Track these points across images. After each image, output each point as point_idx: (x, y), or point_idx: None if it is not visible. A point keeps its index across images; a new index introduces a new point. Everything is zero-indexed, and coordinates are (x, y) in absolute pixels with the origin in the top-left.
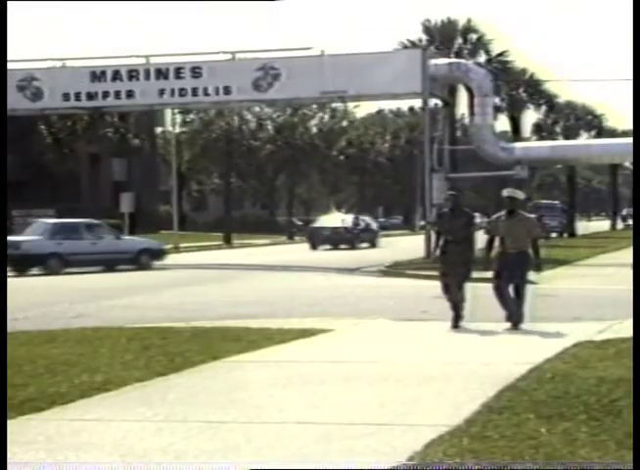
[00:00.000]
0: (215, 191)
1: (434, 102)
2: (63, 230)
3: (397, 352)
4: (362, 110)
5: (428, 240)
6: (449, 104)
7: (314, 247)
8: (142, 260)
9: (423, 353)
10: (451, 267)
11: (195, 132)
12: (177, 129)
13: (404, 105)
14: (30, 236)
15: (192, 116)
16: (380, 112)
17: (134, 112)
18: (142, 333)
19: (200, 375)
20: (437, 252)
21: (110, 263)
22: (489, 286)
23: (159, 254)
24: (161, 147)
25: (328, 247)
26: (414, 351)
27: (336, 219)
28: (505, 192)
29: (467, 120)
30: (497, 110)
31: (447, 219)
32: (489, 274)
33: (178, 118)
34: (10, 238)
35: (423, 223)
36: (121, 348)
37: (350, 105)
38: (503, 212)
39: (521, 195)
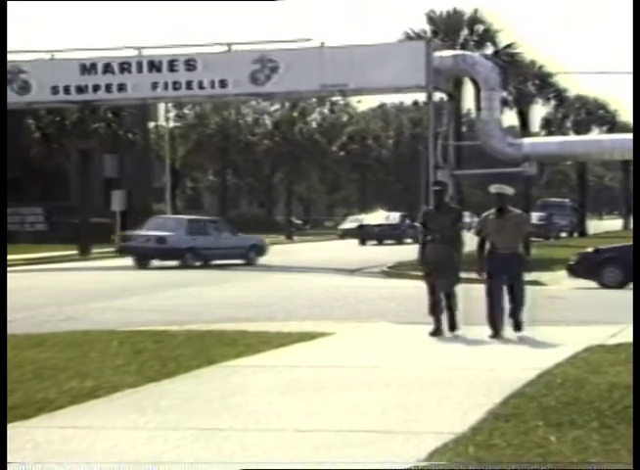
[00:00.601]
0: (210, 188)
1: (438, 96)
2: (196, 226)
3: (400, 356)
4: (364, 104)
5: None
6: (455, 98)
7: (363, 242)
8: (250, 256)
9: (426, 358)
10: (437, 269)
11: (189, 127)
12: (171, 124)
13: (408, 99)
14: (165, 232)
15: (186, 110)
16: (382, 106)
17: (126, 106)
18: (134, 336)
19: (194, 381)
20: (423, 254)
21: (226, 257)
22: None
23: (262, 250)
24: (155, 143)
25: (374, 242)
26: (417, 355)
27: (380, 217)
28: (493, 188)
29: (473, 115)
30: (505, 104)
31: (432, 217)
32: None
33: (172, 113)
34: (154, 233)
35: None
36: (112, 352)
37: (351, 99)
38: (492, 211)
39: (509, 190)
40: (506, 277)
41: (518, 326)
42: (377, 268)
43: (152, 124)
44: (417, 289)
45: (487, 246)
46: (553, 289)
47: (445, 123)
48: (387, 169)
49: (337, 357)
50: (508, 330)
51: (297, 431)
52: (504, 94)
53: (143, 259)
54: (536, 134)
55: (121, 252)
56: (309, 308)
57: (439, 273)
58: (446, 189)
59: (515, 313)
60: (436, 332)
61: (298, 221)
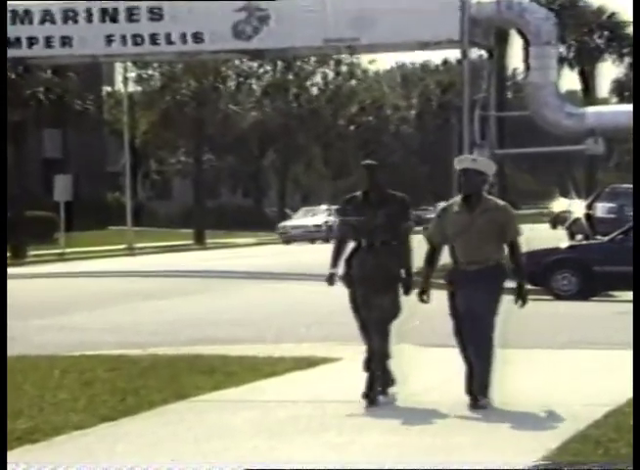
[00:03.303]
0: (182, 172)
1: (476, 53)
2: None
3: (424, 388)
4: (379, 64)
5: None
6: (497, 55)
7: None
8: None
9: (458, 391)
10: (366, 295)
11: (154, 93)
12: (130, 89)
13: (436, 57)
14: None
15: (150, 71)
16: (402, 66)
17: (72, 65)
18: (82, 363)
19: (160, 419)
20: (339, 268)
21: None
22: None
23: None
24: (110, 113)
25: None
26: (447, 387)
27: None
28: (457, 162)
29: (520, 77)
30: (562, 62)
31: (359, 210)
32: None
33: (132, 75)
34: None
35: None
36: (54, 383)
37: (363, 58)
38: (454, 200)
39: (484, 165)
40: (475, 312)
41: (480, 391)
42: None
43: (106, 90)
44: (442, 301)
45: (445, 259)
46: (623, 302)
47: (484, 88)
48: (408, 148)
49: (343, 390)
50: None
51: None
52: (561, 50)
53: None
54: (604, 101)
55: None
56: (308, 326)
57: (370, 301)
58: (383, 165)
59: (479, 375)
60: (369, 396)
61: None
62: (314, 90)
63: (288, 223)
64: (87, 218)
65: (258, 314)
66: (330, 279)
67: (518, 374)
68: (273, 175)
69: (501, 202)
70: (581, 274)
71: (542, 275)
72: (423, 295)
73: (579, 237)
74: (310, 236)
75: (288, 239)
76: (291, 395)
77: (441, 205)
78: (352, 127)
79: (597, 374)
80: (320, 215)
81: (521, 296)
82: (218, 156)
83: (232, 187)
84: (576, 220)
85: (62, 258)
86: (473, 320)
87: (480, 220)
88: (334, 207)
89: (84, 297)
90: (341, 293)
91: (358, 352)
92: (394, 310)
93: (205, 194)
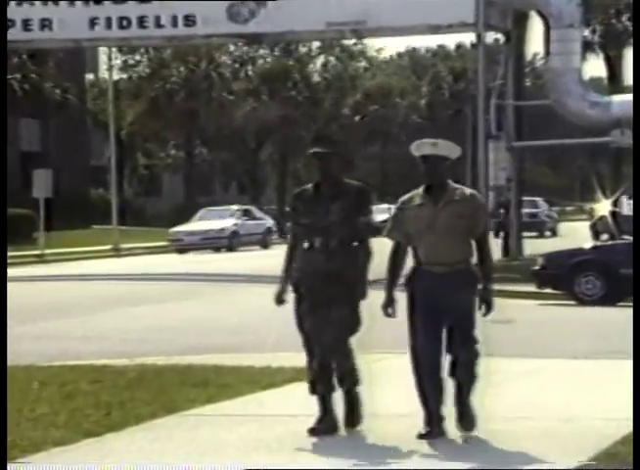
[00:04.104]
0: (172, 167)
1: (492, 37)
2: None
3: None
4: (386, 50)
5: None
6: (514, 39)
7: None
8: None
9: (477, 406)
10: (321, 305)
11: (142, 81)
12: (116, 76)
13: (449, 41)
14: None
15: (137, 57)
16: (412, 51)
17: (52, 50)
18: (63, 374)
19: (148, 435)
20: (289, 273)
21: None
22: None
23: None
24: (93, 103)
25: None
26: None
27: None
28: (414, 148)
29: (541, 63)
30: (587, 47)
31: (311, 204)
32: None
33: (117, 61)
34: None
35: None
36: (32, 396)
37: (369, 43)
38: (415, 192)
39: (447, 149)
40: (445, 320)
41: (465, 418)
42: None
43: (89, 77)
44: None
45: (409, 258)
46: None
47: (501, 75)
48: (418, 139)
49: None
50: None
51: None
52: (586, 33)
53: None
54: (631, 89)
55: None
56: None
57: (323, 314)
58: (336, 153)
59: (461, 393)
60: (317, 429)
61: None
62: (316, 77)
63: (181, 229)
64: (69, 217)
65: (255, 321)
66: (279, 297)
67: (536, 386)
68: (271, 170)
69: (469, 190)
70: (607, 277)
71: (564, 279)
72: (388, 307)
73: (604, 237)
74: (210, 244)
75: (182, 248)
76: (290, 408)
77: (402, 198)
78: (357, 117)
79: (622, 386)
80: (227, 219)
81: (486, 301)
82: (211, 149)
83: (226, 183)
84: (601, 219)
85: (41, 259)
86: (457, 329)
87: (445, 214)
88: (246, 207)
89: (66, 302)
90: None
91: (364, 361)
92: (354, 324)
93: (196, 190)
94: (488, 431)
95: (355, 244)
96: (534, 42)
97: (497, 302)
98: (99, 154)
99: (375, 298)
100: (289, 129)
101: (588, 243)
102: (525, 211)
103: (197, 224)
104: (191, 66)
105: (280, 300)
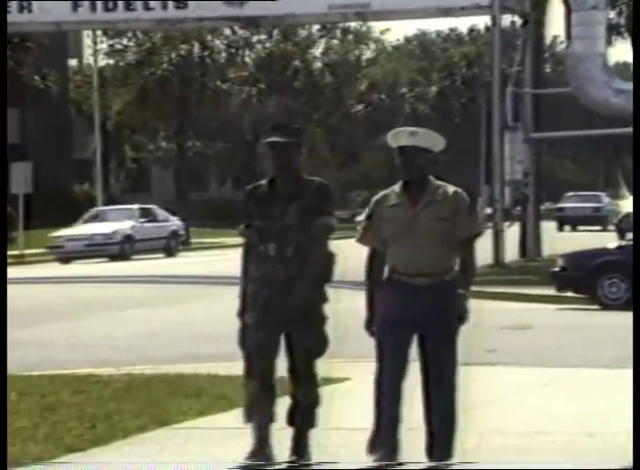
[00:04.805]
0: (162, 160)
1: (508, 19)
2: None
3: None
4: (393, 34)
5: (497, 237)
6: (532, 22)
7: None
8: None
9: (489, 418)
10: (270, 320)
11: (130, 68)
12: (102, 63)
13: (461, 25)
14: None
15: (125, 42)
16: (421, 36)
17: (32, 35)
18: (44, 384)
19: (136, 450)
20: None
21: None
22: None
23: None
24: (77, 91)
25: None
26: (475, 413)
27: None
28: (390, 138)
29: (561, 48)
30: (611, 30)
31: (264, 205)
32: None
33: (103, 46)
34: None
35: (490, 212)
36: (10, 408)
37: (375, 26)
38: (390, 190)
39: (428, 140)
40: (419, 337)
41: (443, 452)
42: None
43: (72, 63)
44: (475, 312)
45: (385, 267)
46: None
47: (518, 61)
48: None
49: (351, 416)
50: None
51: None
52: (611, 15)
53: None
54: None
55: None
56: None
57: (276, 328)
58: (295, 143)
59: (437, 425)
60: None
61: None
62: (317, 64)
63: (63, 233)
64: (50, 214)
65: None
66: (241, 314)
67: (554, 397)
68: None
69: (452, 188)
70: (632, 280)
71: (587, 281)
72: (372, 326)
73: (630, 236)
74: (97, 251)
75: (63, 256)
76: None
77: (376, 196)
78: (361, 107)
79: None
80: (122, 221)
81: (460, 310)
82: (204, 141)
83: (221, 178)
84: (627, 216)
85: (20, 260)
86: (435, 351)
87: (425, 215)
88: (152, 206)
89: (47, 306)
90: (349, 302)
91: (368, 371)
92: (319, 346)
93: (188, 186)
94: (501, 446)
95: (316, 249)
96: (554, 25)
97: (513, 306)
98: (83, 146)
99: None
100: (288, 120)
101: (612, 242)
102: (588, 205)
103: (82, 227)
104: (182, 51)
105: (243, 317)
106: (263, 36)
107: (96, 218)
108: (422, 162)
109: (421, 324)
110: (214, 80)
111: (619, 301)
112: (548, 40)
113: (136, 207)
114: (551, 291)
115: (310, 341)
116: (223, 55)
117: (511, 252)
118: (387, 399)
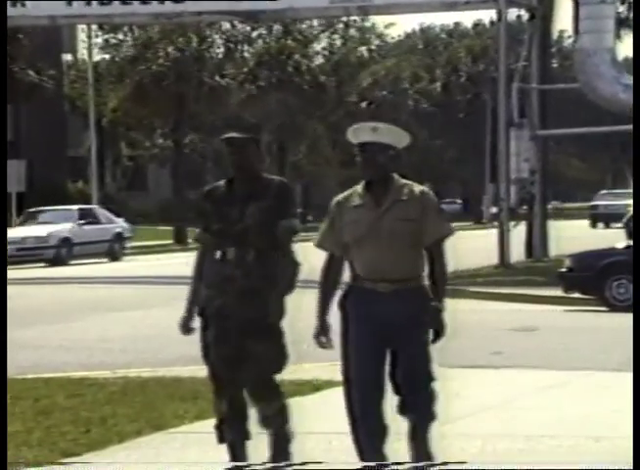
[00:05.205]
0: (159, 158)
1: (514, 13)
2: None
3: (454, 416)
4: (397, 29)
5: (502, 237)
6: (539, 16)
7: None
8: None
9: (494, 421)
10: (231, 332)
11: (125, 63)
12: (97, 58)
13: (466, 19)
14: None
15: (121, 36)
16: (427, 30)
17: (25, 28)
18: (38, 388)
19: (132, 454)
20: (198, 293)
21: None
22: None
23: None
24: (71, 86)
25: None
26: (482, 417)
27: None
28: (351, 134)
29: (569, 42)
30: (621, 24)
31: (222, 206)
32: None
33: (98, 40)
34: None
35: (495, 211)
36: None
37: (378, 21)
38: (352, 190)
39: (392, 135)
40: (388, 351)
41: (420, 456)
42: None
43: (66, 58)
44: (481, 313)
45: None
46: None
47: (524, 56)
48: (431, 129)
49: None
50: None
51: None
52: (620, 9)
53: None
54: None
55: None
56: (310, 343)
57: (238, 340)
58: (254, 140)
59: (415, 438)
60: None
61: (299, 209)
62: (319, 59)
63: None
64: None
65: None
66: (185, 325)
67: (561, 400)
68: (270, 162)
69: (419, 187)
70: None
71: (594, 282)
72: (321, 336)
73: None
74: (30, 256)
75: None
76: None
77: (337, 198)
78: (364, 104)
79: None
80: (55, 223)
81: (437, 324)
82: (202, 138)
83: (219, 176)
84: None
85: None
86: (406, 366)
87: (389, 217)
88: (93, 207)
89: (40, 307)
90: None
91: None
92: (278, 359)
93: (186, 184)
94: (507, 450)
95: (278, 254)
96: (562, 19)
97: (519, 307)
98: (77, 143)
99: None
100: (288, 117)
101: (621, 242)
102: (622, 203)
103: (15, 230)
104: (180, 46)
105: (186, 328)
106: (263, 31)
107: (33, 220)
108: (384, 159)
109: (385, 336)
110: (212, 76)
111: (628, 302)
112: (555, 35)
113: (75, 207)
114: (558, 292)
115: (268, 354)
116: (222, 50)
117: (517, 252)
118: (362, 410)
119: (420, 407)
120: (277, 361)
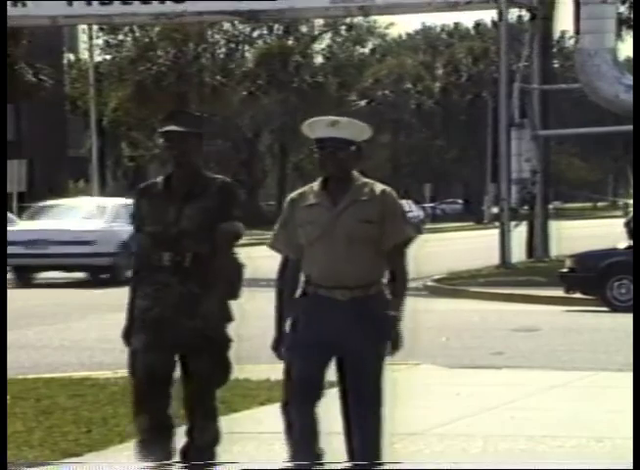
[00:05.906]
0: (160, 158)
1: (515, 13)
2: None
3: (455, 416)
4: (397, 28)
5: (503, 237)
6: (540, 16)
7: None
8: None
9: (495, 422)
10: (164, 342)
11: (126, 63)
12: (97, 58)
13: (466, 20)
14: None
15: (121, 37)
16: (428, 30)
17: (26, 29)
18: (38, 388)
19: (133, 455)
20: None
21: None
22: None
23: None
24: (72, 87)
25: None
26: (481, 418)
27: None
28: (307, 128)
29: (570, 43)
30: (622, 24)
31: (159, 206)
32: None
33: (99, 41)
34: None
35: (496, 211)
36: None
37: (379, 21)
38: (308, 187)
39: (351, 130)
40: (338, 361)
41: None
42: (420, 282)
43: (67, 58)
44: (482, 314)
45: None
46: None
47: (525, 56)
48: (432, 128)
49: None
50: None
51: None
52: (621, 9)
53: None
54: None
55: None
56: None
57: (171, 351)
58: (196, 134)
59: (354, 439)
60: None
61: None
62: (319, 59)
63: None
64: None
65: (251, 328)
66: (127, 335)
67: (563, 401)
68: (270, 161)
69: (380, 186)
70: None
71: (596, 282)
72: (280, 346)
73: None
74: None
75: None
76: None
77: (290, 196)
78: (365, 103)
79: None
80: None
81: (392, 336)
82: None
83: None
84: None
85: None
86: (357, 379)
87: (347, 218)
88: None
89: (40, 308)
90: None
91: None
92: (219, 374)
93: None
94: (508, 450)
95: (219, 260)
96: (563, 19)
97: (520, 307)
98: (78, 143)
99: None
100: (289, 117)
101: (622, 243)
102: None
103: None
104: (180, 46)
105: (129, 338)
106: (264, 31)
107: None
108: (343, 155)
109: (339, 346)
110: (213, 76)
111: (629, 302)
112: (556, 35)
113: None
114: (559, 292)
115: (209, 367)
116: (222, 50)
117: (518, 252)
118: (302, 422)
119: (364, 415)
120: (217, 376)
